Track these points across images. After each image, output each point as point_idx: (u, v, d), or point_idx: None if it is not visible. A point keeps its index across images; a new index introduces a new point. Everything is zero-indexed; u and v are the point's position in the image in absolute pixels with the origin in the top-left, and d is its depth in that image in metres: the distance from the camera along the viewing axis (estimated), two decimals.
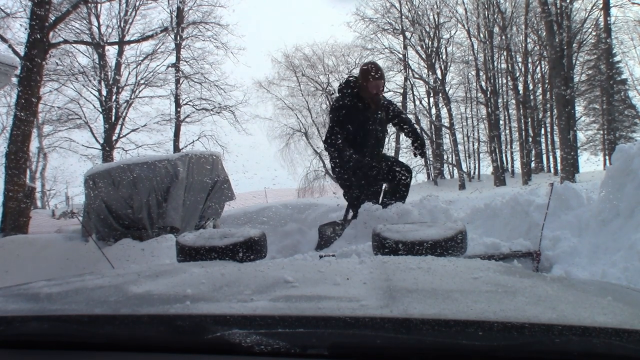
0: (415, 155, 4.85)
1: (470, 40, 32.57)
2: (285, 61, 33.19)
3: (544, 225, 3.39)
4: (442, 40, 33.56)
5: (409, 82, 33.95)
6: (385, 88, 4.66)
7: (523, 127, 33.27)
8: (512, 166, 37.35)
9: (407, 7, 32.67)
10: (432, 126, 34.30)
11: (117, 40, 24.15)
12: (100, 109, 24.22)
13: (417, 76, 34.28)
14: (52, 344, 0.78)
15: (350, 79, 4.66)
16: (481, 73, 32.53)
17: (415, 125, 5.07)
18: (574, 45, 25.37)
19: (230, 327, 0.70)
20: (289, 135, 33.35)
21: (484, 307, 0.77)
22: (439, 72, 33.59)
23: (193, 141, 24.98)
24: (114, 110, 24.13)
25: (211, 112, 24.94)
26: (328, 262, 1.42)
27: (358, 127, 4.40)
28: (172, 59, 24.61)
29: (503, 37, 31.85)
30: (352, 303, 0.81)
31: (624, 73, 32.90)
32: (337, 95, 4.69)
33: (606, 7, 20.82)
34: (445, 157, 35.37)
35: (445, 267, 1.21)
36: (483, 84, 32.36)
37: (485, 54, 32.36)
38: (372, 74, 4.38)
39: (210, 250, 1.76)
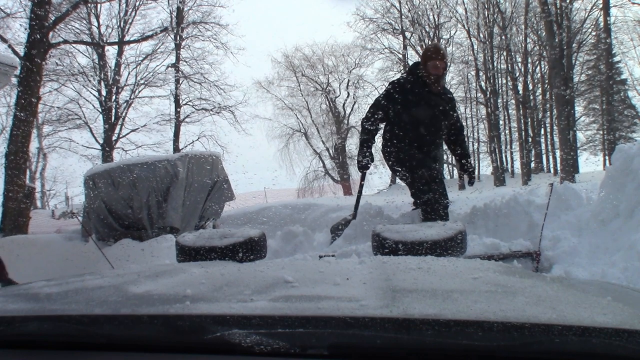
0: (465, 179, 4.52)
1: (470, 40, 32.58)
2: (285, 61, 33.22)
3: (544, 225, 3.39)
4: (442, 40, 33.56)
5: None
6: (446, 71, 4.38)
7: (523, 127, 33.27)
8: (512, 166, 37.36)
9: (407, 7, 32.69)
10: None
11: (117, 40, 24.15)
12: (100, 109, 24.21)
13: None
14: (52, 344, 0.78)
15: (417, 62, 4.47)
16: (481, 73, 32.54)
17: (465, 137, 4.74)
18: (573, 45, 25.36)
19: (230, 327, 0.70)
20: (288, 136, 33.37)
21: (484, 307, 0.77)
22: None
23: (193, 141, 25.01)
24: (113, 111, 24.12)
25: (211, 112, 24.94)
26: (328, 262, 1.42)
27: (413, 107, 4.18)
28: (172, 59, 24.63)
29: (503, 37, 31.85)
30: (352, 303, 0.81)
31: (624, 73, 32.92)
32: (403, 75, 4.55)
33: (606, 7, 20.83)
34: (445, 157, 35.34)
35: (445, 267, 1.21)
36: (483, 84, 32.37)
37: (485, 54, 32.36)
38: (431, 53, 4.23)
39: (210, 250, 1.76)
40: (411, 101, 4.18)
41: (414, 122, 4.17)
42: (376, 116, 4.26)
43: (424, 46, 33.02)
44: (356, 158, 4.41)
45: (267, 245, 1.94)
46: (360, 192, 4.53)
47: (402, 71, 33.35)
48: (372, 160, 4.35)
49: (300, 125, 33.36)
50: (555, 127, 28.82)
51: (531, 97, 33.51)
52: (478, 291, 0.92)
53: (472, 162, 4.52)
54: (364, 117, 4.39)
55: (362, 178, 4.63)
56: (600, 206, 3.42)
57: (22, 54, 10.13)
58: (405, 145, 4.18)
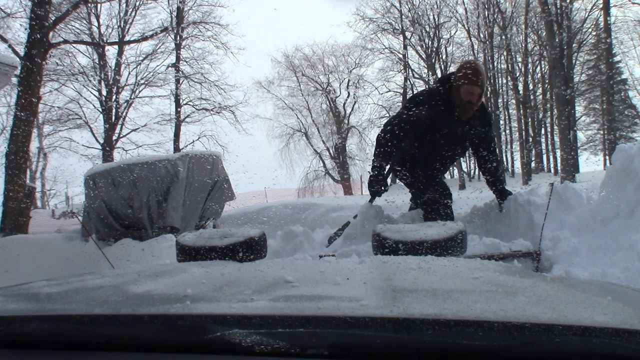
0: (500, 208, 3.84)
1: (470, 40, 32.61)
2: (285, 61, 33.24)
3: (544, 225, 3.38)
4: (442, 40, 33.58)
5: (409, 82, 33.97)
6: (481, 98, 3.62)
7: (523, 127, 33.30)
8: (512, 166, 37.37)
9: (407, 7, 32.70)
10: None
11: (117, 40, 24.17)
12: (100, 109, 24.24)
13: (417, 76, 34.31)
14: (52, 344, 0.78)
15: (449, 75, 3.82)
16: None
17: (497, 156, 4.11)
18: (574, 45, 25.39)
19: (230, 327, 0.70)
20: (289, 135, 33.38)
21: (484, 307, 0.77)
22: (439, 72, 33.59)
23: (193, 141, 25.04)
24: (114, 110, 24.14)
25: (211, 112, 24.98)
26: (328, 262, 1.42)
27: (434, 132, 3.62)
28: (172, 59, 24.65)
29: (503, 37, 31.86)
30: (352, 303, 0.81)
31: (624, 73, 32.95)
32: (433, 86, 3.90)
33: (606, 7, 20.83)
34: None
35: (445, 267, 1.21)
36: None
37: (486, 54, 32.36)
38: (468, 75, 3.49)
39: (210, 250, 1.76)
40: (433, 125, 3.60)
41: (431, 147, 3.71)
42: (396, 134, 3.64)
43: (424, 46, 33.05)
44: (368, 180, 3.88)
45: (267, 245, 1.94)
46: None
47: (402, 71, 33.46)
48: (386, 190, 3.84)
49: (301, 125, 33.40)
50: (555, 127, 28.85)
51: (531, 97, 33.53)
52: (478, 291, 0.92)
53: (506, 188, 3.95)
54: (381, 131, 3.75)
55: (372, 198, 4.08)
56: (600, 206, 3.42)
57: (22, 53, 10.13)
58: (416, 167, 3.81)
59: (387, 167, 3.89)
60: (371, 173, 3.82)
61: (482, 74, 3.59)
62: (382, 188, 3.81)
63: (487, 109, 4.03)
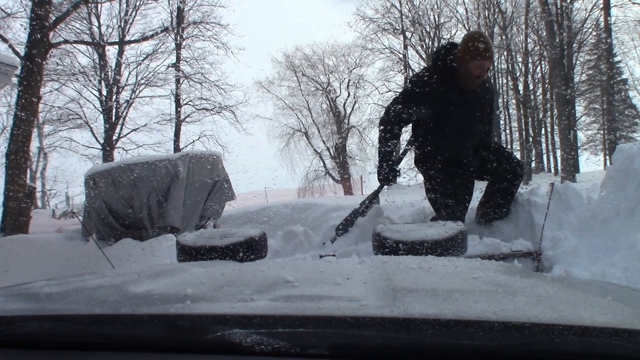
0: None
1: None
2: (285, 61, 33.22)
3: (544, 225, 3.38)
4: (442, 40, 33.53)
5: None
6: (490, 69, 3.49)
7: (523, 127, 33.28)
8: None
9: (407, 7, 32.69)
10: None
11: (117, 40, 24.17)
12: (100, 109, 24.24)
13: None
14: (52, 344, 0.78)
15: (451, 47, 3.56)
16: None
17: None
18: (574, 45, 25.39)
19: (230, 326, 0.70)
20: (289, 135, 33.37)
21: (484, 307, 0.77)
22: None
23: (193, 141, 25.05)
24: (114, 110, 24.15)
25: (211, 112, 24.99)
26: (328, 262, 1.42)
27: (443, 115, 3.47)
28: (173, 58, 24.66)
29: (503, 37, 31.84)
30: (352, 303, 0.81)
31: (624, 73, 32.91)
32: (429, 65, 3.67)
33: (606, 7, 20.83)
34: None
35: (445, 267, 1.21)
36: None
37: None
38: (478, 49, 3.30)
39: (210, 250, 1.76)
40: (442, 107, 3.45)
41: (448, 134, 3.55)
42: (397, 118, 3.54)
43: (424, 46, 33.01)
44: (376, 169, 3.72)
45: (267, 244, 1.94)
46: (374, 197, 4.10)
47: (402, 71, 33.41)
48: (399, 174, 3.67)
49: (301, 124, 33.38)
50: (555, 127, 28.86)
51: (532, 97, 33.52)
52: (478, 291, 0.92)
53: None
54: (382, 116, 3.66)
55: (380, 187, 4.01)
56: (600, 206, 3.42)
57: (22, 53, 10.13)
58: (437, 162, 3.64)
59: (394, 152, 3.74)
60: (377, 164, 3.71)
61: (491, 46, 3.48)
62: (391, 175, 3.65)
63: (492, 87, 3.94)
